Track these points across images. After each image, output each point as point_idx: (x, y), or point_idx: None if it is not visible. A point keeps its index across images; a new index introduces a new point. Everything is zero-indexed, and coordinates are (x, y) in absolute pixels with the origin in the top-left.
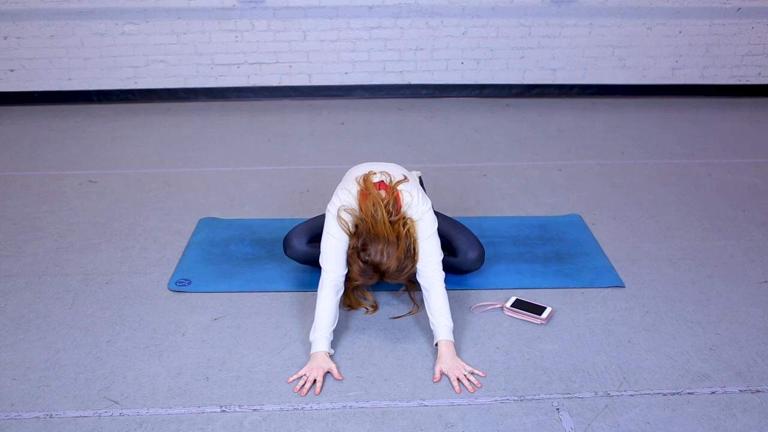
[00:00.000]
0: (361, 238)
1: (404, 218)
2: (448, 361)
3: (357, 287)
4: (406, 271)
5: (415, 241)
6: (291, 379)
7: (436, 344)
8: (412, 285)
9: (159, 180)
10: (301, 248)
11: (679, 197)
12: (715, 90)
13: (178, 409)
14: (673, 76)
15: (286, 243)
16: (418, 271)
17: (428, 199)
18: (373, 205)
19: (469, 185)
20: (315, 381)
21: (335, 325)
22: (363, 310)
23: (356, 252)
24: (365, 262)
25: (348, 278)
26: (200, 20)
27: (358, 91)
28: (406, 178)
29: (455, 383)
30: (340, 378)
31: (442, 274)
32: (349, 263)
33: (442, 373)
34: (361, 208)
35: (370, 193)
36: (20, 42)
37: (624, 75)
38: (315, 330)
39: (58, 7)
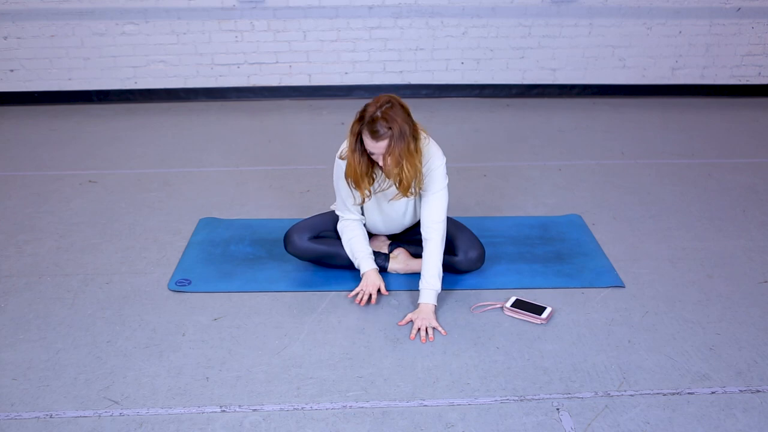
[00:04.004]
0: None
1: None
2: (421, 315)
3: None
4: (403, 164)
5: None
6: (351, 294)
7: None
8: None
9: (159, 180)
10: (301, 244)
11: (679, 197)
12: (715, 90)
13: (178, 409)
14: (673, 76)
15: (287, 239)
16: (422, 222)
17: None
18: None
19: (469, 185)
20: (371, 296)
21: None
22: (366, 305)
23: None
24: (361, 119)
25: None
26: (200, 20)
27: (358, 91)
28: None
29: (414, 331)
30: (387, 293)
31: (443, 233)
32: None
33: (410, 321)
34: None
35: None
36: (20, 42)
37: (624, 75)
38: (355, 257)
39: (58, 7)
